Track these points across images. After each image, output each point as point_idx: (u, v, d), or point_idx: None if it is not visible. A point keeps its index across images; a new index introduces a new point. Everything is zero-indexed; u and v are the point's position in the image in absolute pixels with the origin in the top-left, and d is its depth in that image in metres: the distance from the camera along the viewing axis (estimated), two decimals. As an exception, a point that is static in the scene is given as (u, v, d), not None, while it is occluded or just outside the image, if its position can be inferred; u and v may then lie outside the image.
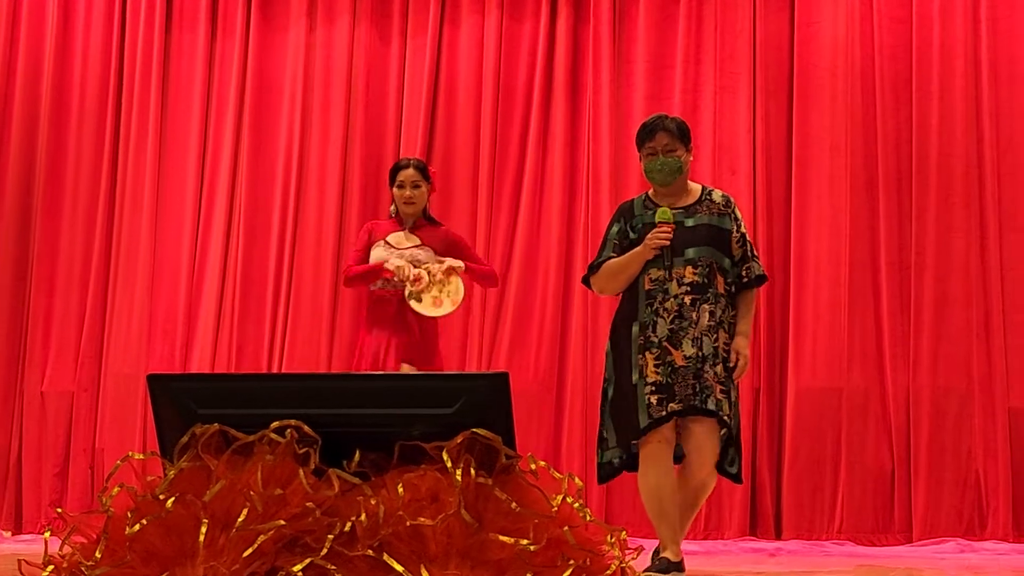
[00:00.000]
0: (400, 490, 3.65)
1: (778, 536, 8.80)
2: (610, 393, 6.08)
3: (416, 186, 7.13)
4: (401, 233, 7.12)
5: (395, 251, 7.03)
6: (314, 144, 9.81)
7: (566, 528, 3.66)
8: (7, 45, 10.14)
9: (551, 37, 9.69)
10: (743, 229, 6.10)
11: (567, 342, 9.32)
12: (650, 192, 6.22)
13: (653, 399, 5.85)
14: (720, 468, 5.97)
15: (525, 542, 3.59)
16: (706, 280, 5.93)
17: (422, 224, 7.19)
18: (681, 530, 6.07)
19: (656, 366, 5.89)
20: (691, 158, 6.19)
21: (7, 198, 9.97)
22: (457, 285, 7.07)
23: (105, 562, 3.64)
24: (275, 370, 9.41)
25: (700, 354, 5.86)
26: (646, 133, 6.12)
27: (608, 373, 6.14)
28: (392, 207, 7.28)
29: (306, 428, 3.76)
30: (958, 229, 8.90)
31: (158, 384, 3.94)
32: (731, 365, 5.94)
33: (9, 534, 9.32)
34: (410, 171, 7.15)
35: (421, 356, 6.99)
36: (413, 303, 6.92)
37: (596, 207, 9.34)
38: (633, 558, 4.05)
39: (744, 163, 9.22)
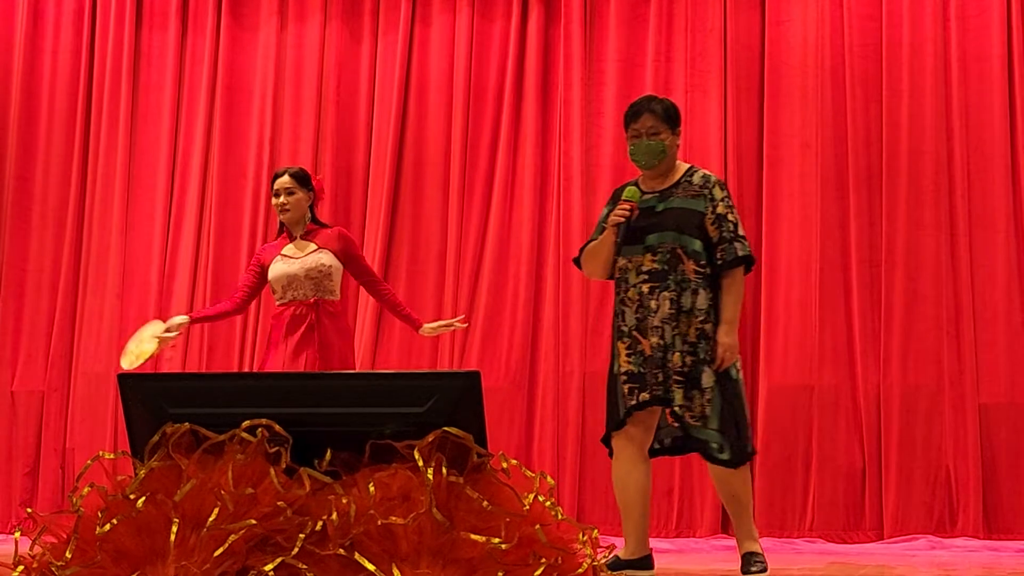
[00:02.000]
0: (371, 489, 3.65)
1: (750, 534, 8.80)
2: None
3: (291, 193, 7.08)
4: (295, 244, 7.10)
5: (295, 261, 7.00)
6: (285, 143, 9.80)
7: (538, 527, 3.66)
8: (-26, 48, 10.14)
9: (522, 36, 9.69)
10: (721, 209, 5.91)
11: (538, 340, 9.32)
12: (641, 176, 6.16)
13: (626, 388, 5.83)
14: (709, 455, 5.84)
15: (496, 541, 3.59)
16: (666, 267, 5.83)
17: (313, 228, 7.15)
18: (736, 528, 6.04)
19: (628, 355, 5.86)
20: (678, 141, 6.09)
21: (-25, 199, 9.97)
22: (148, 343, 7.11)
23: (75, 562, 3.64)
24: (246, 370, 9.40)
25: (663, 343, 5.79)
26: (632, 114, 6.05)
27: None
28: (278, 220, 7.24)
29: (277, 427, 3.76)
30: (928, 226, 8.93)
31: (129, 383, 3.93)
32: (711, 355, 5.82)
33: (-21, 535, 9.29)
34: (284, 179, 7.11)
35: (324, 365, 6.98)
36: (124, 360, 6.99)
37: (567, 205, 9.36)
38: (605, 556, 4.06)
39: (715, 161, 9.22)
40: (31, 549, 3.76)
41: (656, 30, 9.49)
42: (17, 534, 3.89)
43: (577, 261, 6.26)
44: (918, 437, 8.75)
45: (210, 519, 3.59)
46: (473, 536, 3.59)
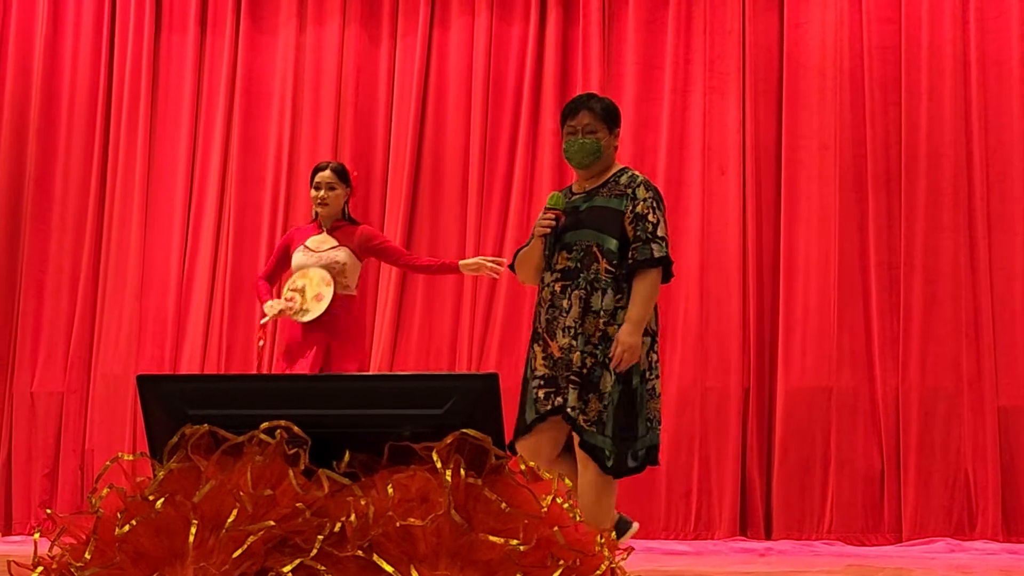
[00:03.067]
0: (390, 491, 3.65)
1: (768, 536, 8.81)
2: None
3: (331, 188, 7.29)
4: (320, 236, 7.30)
5: (313, 254, 7.20)
6: (304, 145, 9.81)
7: (556, 528, 3.65)
8: (-4, 49, 10.17)
9: (540, 38, 9.69)
10: (641, 209, 5.73)
11: (557, 342, 9.32)
12: (575, 178, 6.07)
13: (540, 393, 5.66)
14: (601, 463, 5.59)
15: (515, 542, 3.58)
16: (579, 265, 5.70)
17: (340, 225, 7.35)
18: None
19: (543, 359, 5.71)
20: (615, 141, 5.95)
21: (-4, 202, 10.00)
22: (320, 275, 7.16)
23: (95, 563, 3.64)
24: (265, 371, 9.41)
25: (571, 344, 5.65)
26: (569, 111, 5.90)
27: None
28: (313, 209, 7.42)
29: (296, 429, 3.76)
30: (947, 229, 8.91)
31: (148, 385, 3.93)
32: (610, 355, 5.63)
33: (-1, 535, 9.33)
34: (326, 173, 7.31)
35: (339, 356, 7.14)
36: (306, 317, 7.08)
37: (586, 208, 9.35)
38: (623, 558, 4.05)
39: (734, 163, 9.22)
40: (50, 550, 3.77)
41: (675, 32, 9.49)
42: (36, 535, 3.89)
43: (512, 267, 6.15)
44: (937, 440, 8.73)
45: (229, 520, 3.59)
46: (491, 538, 3.59)
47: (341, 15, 9.94)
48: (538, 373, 5.72)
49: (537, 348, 5.79)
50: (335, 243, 7.23)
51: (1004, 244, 8.90)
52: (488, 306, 9.39)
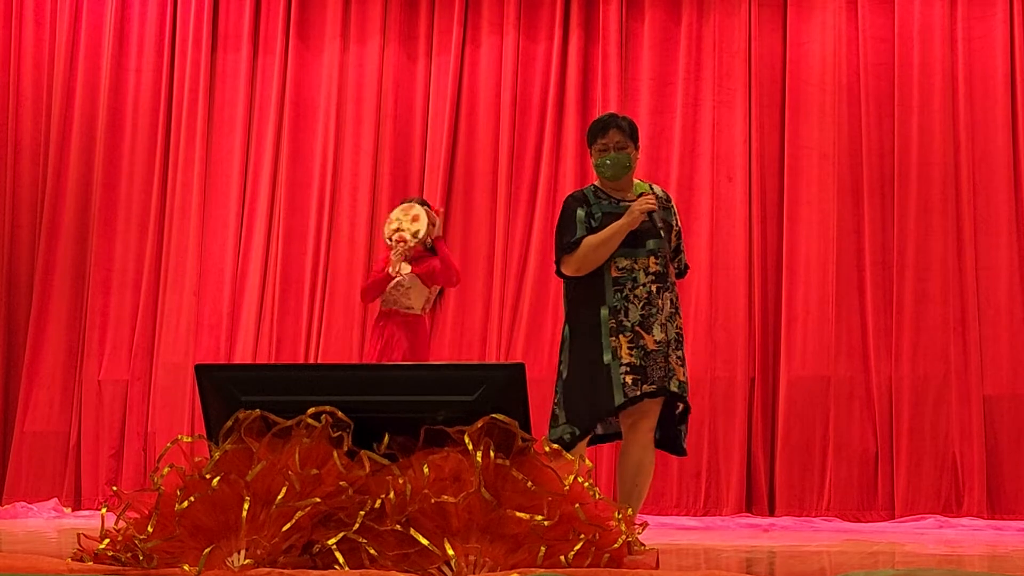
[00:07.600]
0: (425, 470, 3.66)
1: (771, 513, 8.79)
2: (564, 374, 5.89)
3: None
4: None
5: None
6: (347, 154, 9.81)
7: (577, 505, 3.66)
8: (67, 69, 10.15)
9: (564, 56, 9.68)
10: (679, 224, 6.00)
11: (578, 335, 9.31)
12: (597, 183, 6.00)
13: (628, 379, 5.67)
14: (674, 446, 5.84)
15: (539, 518, 3.59)
16: (664, 269, 5.80)
17: (421, 253, 7.70)
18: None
19: (630, 349, 5.70)
20: (638, 155, 6.00)
21: (67, 208, 9.98)
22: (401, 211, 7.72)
23: (156, 536, 3.66)
24: (311, 361, 9.43)
25: (667, 339, 5.73)
26: (599, 130, 5.93)
27: (563, 355, 5.94)
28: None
29: (340, 414, 3.77)
30: (936, 231, 8.90)
31: (205, 373, 3.94)
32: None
33: (69, 510, 9.33)
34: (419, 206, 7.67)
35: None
36: (419, 234, 7.52)
37: (605, 211, 9.35)
38: (639, 533, 4.06)
39: (740, 171, 9.21)
40: (116, 524, 3.79)
41: (687, 51, 9.48)
42: (104, 510, 3.91)
43: (560, 260, 5.90)
44: (927, 425, 8.71)
45: (279, 497, 3.61)
46: (518, 514, 3.60)
47: (381, 35, 9.94)
48: (624, 361, 5.71)
49: (623, 338, 5.75)
50: (408, 269, 7.57)
51: (989, 245, 8.88)
52: (516, 301, 9.39)
